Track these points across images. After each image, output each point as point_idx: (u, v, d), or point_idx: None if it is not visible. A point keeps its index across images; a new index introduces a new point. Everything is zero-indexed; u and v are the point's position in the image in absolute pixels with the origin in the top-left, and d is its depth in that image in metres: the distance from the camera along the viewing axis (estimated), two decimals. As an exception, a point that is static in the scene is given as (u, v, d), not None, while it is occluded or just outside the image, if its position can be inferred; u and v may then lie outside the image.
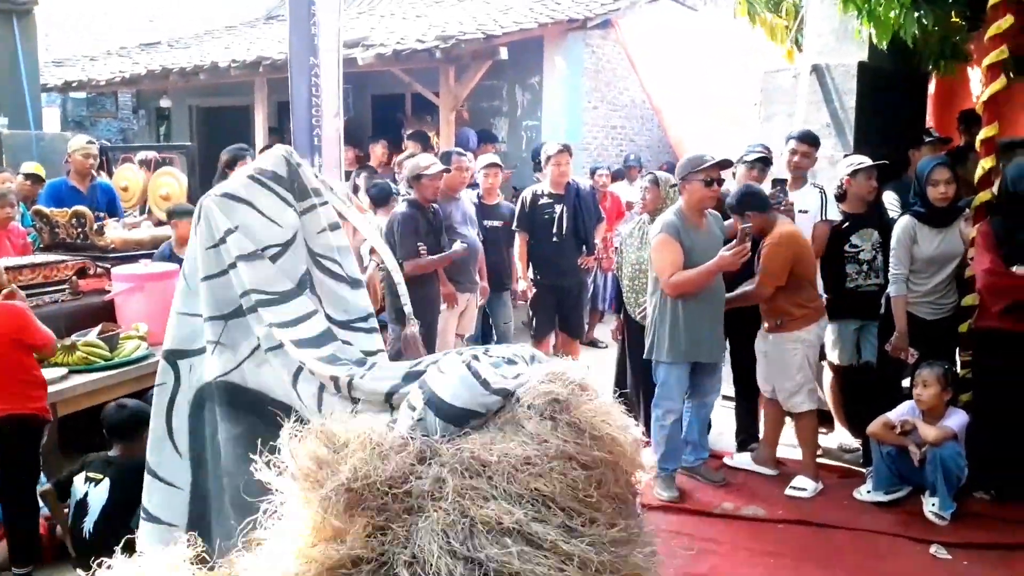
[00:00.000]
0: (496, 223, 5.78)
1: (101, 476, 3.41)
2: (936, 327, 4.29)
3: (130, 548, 3.36)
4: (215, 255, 2.66)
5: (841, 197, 4.73)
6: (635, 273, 4.74)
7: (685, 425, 4.38)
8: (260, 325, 2.59)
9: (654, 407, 4.23)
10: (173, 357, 2.72)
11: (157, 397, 2.74)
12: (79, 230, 5.33)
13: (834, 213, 4.70)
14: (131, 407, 3.60)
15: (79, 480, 3.48)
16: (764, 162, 4.81)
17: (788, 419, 5.17)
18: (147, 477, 2.71)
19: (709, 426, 4.78)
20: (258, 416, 2.59)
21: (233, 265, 2.63)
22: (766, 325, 4.42)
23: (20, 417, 3.36)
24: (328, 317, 2.74)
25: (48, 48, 13.09)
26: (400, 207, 5.18)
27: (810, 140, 4.79)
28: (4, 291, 3.68)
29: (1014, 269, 3.91)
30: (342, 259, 2.86)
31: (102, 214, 5.83)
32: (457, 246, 5.02)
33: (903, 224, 4.29)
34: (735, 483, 4.36)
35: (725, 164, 4.20)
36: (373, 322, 2.87)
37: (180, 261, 4.81)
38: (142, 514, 2.69)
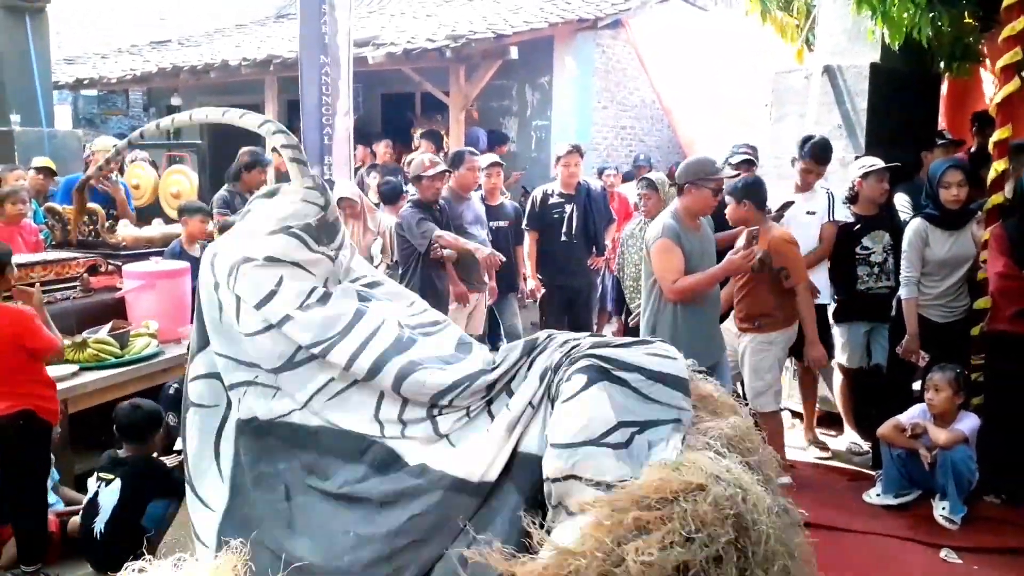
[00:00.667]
0: (501, 223, 5.77)
1: (112, 476, 3.42)
2: (948, 330, 4.27)
3: (138, 547, 3.40)
4: (259, 315, 2.60)
5: (853, 199, 4.72)
6: (638, 273, 4.72)
7: None
8: (331, 369, 2.56)
9: None
10: (231, 386, 2.67)
11: (207, 417, 2.69)
12: (91, 227, 5.35)
13: (841, 214, 4.69)
14: (145, 408, 3.59)
15: (91, 480, 3.49)
16: (749, 164, 4.81)
17: (795, 420, 5.17)
18: (189, 494, 2.72)
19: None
20: (318, 453, 2.57)
21: (279, 323, 2.58)
22: (743, 326, 4.38)
23: (26, 413, 3.35)
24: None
25: (60, 46, 13.12)
26: (405, 207, 5.18)
27: (823, 159, 4.75)
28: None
29: None
30: (378, 290, 2.88)
31: (115, 212, 5.87)
32: (477, 246, 4.98)
33: (915, 226, 4.27)
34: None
35: (735, 176, 4.18)
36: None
37: (191, 258, 4.89)
38: (193, 536, 2.70)
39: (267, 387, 2.61)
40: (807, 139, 4.84)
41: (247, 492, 2.63)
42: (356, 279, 2.88)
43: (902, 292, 4.32)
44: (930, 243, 4.23)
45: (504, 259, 5.14)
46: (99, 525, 3.34)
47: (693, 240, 4.01)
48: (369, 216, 5.78)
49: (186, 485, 2.72)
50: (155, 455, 3.68)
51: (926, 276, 4.26)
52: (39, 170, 6.69)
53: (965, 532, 3.84)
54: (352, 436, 2.53)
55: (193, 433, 2.72)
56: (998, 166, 4.32)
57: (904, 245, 4.30)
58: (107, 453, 3.56)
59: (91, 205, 5.45)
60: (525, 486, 2.31)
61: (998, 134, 4.34)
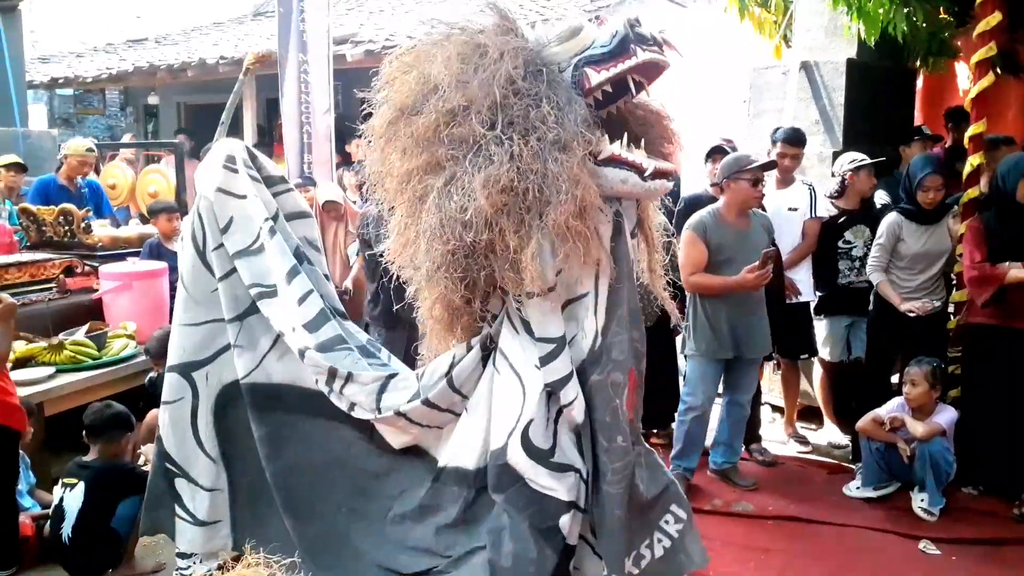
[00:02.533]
0: None
1: (76, 480, 3.37)
2: (925, 324, 4.28)
3: (110, 549, 3.37)
4: (222, 255, 2.71)
5: (839, 193, 4.73)
6: None
7: (717, 424, 4.37)
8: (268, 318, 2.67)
9: (680, 402, 4.23)
10: (187, 370, 2.77)
11: (174, 413, 2.80)
12: (66, 228, 5.29)
13: (823, 210, 4.71)
14: (116, 407, 3.56)
15: (56, 488, 3.45)
16: (722, 152, 4.81)
17: (776, 415, 5.21)
18: (188, 487, 2.81)
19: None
20: (284, 411, 2.68)
21: (231, 270, 2.70)
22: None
23: None
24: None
25: (34, 44, 13.00)
26: (371, 207, 5.10)
27: (796, 141, 4.78)
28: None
29: (1007, 265, 3.89)
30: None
31: (90, 212, 5.80)
32: None
33: (889, 221, 4.30)
34: (726, 480, 4.35)
35: (771, 165, 4.19)
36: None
37: (169, 253, 4.85)
38: (187, 518, 2.80)
39: (232, 346, 2.71)
40: (778, 128, 4.91)
41: (244, 461, 2.76)
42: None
43: (872, 278, 4.33)
44: (904, 237, 4.26)
45: None
46: (66, 530, 3.30)
47: (728, 236, 4.04)
48: (351, 219, 5.73)
49: (176, 480, 2.80)
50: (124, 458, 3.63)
51: (902, 270, 4.29)
52: (8, 167, 6.58)
53: (943, 524, 3.87)
54: (311, 395, 2.63)
55: (167, 431, 2.82)
56: (973, 160, 4.36)
57: (877, 238, 4.33)
58: (73, 460, 3.51)
59: (66, 205, 5.40)
60: None
61: (973, 129, 4.37)
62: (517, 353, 2.27)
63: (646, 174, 2.20)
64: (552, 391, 2.25)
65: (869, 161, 4.63)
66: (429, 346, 2.52)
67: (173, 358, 2.84)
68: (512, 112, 2.08)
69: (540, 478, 2.24)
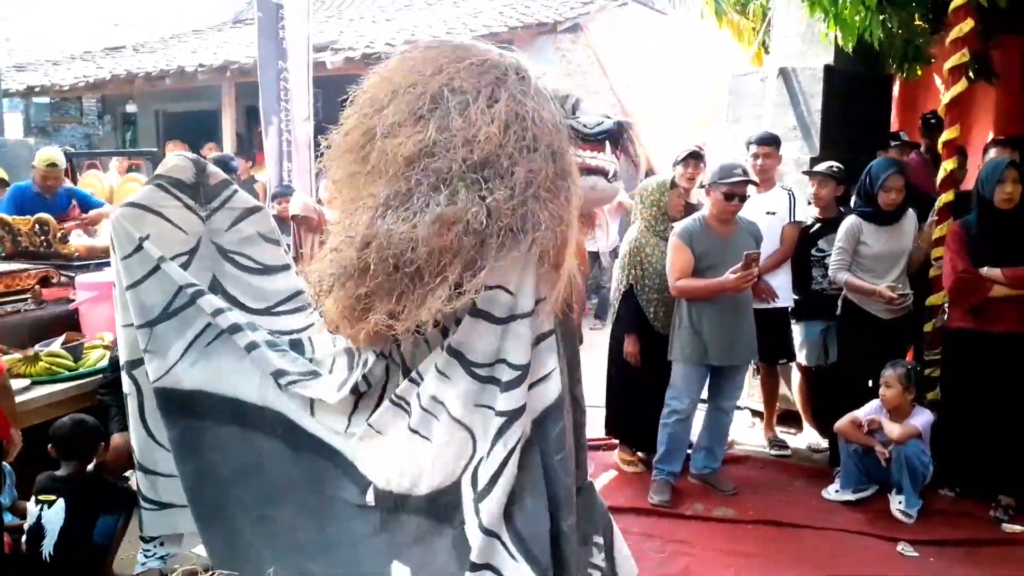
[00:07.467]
0: None
1: (54, 497, 3.31)
2: (893, 327, 4.30)
3: (93, 564, 3.33)
4: (135, 262, 2.77)
5: (810, 201, 4.79)
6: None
7: (699, 430, 4.39)
8: (207, 311, 2.71)
9: (665, 406, 4.25)
10: (130, 368, 2.86)
11: (128, 407, 2.90)
12: (42, 238, 5.23)
13: (802, 215, 4.75)
14: (89, 423, 3.50)
15: (30, 505, 3.38)
16: (696, 156, 4.85)
17: (756, 420, 5.23)
18: (145, 478, 2.88)
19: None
20: (196, 417, 2.72)
21: (158, 266, 2.75)
22: None
23: None
24: (248, 308, 2.89)
25: (10, 52, 12.89)
26: None
27: (769, 141, 4.82)
28: None
29: (984, 270, 3.94)
30: (251, 251, 2.97)
31: (68, 222, 5.74)
32: None
33: (848, 224, 4.35)
34: (706, 485, 4.37)
35: (747, 183, 4.21)
36: (299, 300, 2.97)
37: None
38: (151, 506, 2.89)
39: (145, 352, 2.77)
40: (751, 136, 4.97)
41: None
42: (232, 255, 2.94)
43: (838, 278, 4.35)
44: (864, 239, 4.29)
45: None
46: (47, 548, 3.23)
47: (713, 243, 4.09)
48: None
49: (141, 475, 2.88)
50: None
51: (866, 271, 4.32)
52: None
53: (921, 525, 3.91)
54: (223, 401, 2.65)
55: (130, 425, 2.92)
56: (947, 165, 4.41)
57: (837, 241, 4.38)
58: (45, 475, 3.45)
59: (42, 215, 5.34)
60: None
61: (947, 134, 4.43)
62: (452, 400, 2.16)
63: (610, 175, 2.18)
64: (503, 429, 2.10)
65: (817, 169, 4.69)
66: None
67: (121, 358, 2.92)
68: (506, 149, 2.00)
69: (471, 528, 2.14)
